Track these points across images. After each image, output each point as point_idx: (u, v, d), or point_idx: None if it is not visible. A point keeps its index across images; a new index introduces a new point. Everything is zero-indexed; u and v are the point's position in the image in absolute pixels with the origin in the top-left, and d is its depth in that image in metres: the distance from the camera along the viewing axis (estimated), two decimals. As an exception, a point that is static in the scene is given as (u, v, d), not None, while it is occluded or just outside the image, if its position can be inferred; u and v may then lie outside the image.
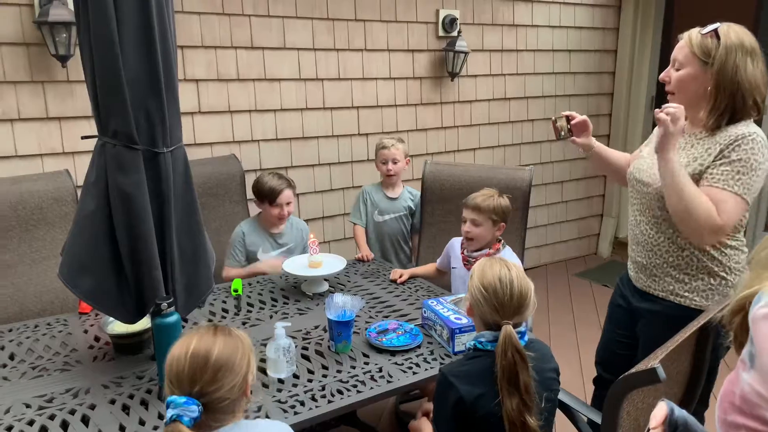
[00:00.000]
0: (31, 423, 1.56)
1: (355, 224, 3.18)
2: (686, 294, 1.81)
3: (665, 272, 1.84)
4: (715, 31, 1.69)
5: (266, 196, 2.78)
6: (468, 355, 1.56)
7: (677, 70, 1.77)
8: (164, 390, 1.27)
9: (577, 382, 3.09)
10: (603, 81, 4.97)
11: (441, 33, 3.99)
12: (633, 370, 1.09)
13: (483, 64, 4.27)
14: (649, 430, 0.90)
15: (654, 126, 2.02)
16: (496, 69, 4.34)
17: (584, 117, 2.04)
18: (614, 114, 5.03)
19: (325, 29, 3.57)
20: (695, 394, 1.73)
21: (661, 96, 1.88)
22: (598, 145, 2.09)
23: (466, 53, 3.96)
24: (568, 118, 2.04)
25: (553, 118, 2.05)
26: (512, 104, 4.50)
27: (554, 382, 1.59)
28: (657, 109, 1.70)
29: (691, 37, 1.73)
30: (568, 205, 5.05)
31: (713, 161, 1.70)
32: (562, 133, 2.04)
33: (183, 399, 1.19)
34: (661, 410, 0.90)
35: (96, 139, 1.72)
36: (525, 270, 1.62)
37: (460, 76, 4.11)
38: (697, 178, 1.71)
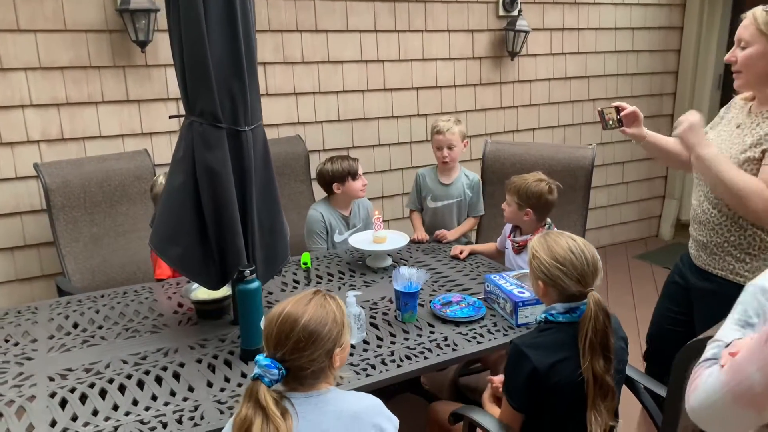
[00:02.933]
0: (129, 377, 1.72)
1: (412, 210, 3.16)
2: (746, 274, 1.80)
3: (726, 251, 1.84)
4: None
5: (347, 173, 2.80)
6: (539, 327, 1.60)
7: (743, 48, 1.75)
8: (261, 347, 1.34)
9: (635, 361, 3.08)
10: (668, 59, 4.83)
11: (501, 12, 3.98)
12: (699, 337, 1.12)
13: (544, 43, 4.24)
14: None
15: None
16: (556, 48, 4.30)
17: (634, 108, 2.04)
18: (679, 93, 4.88)
19: (386, 11, 3.63)
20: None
21: (728, 74, 1.86)
22: (651, 134, 2.09)
23: (526, 32, 3.94)
24: (618, 109, 2.04)
25: (600, 108, 2.07)
26: (573, 83, 4.45)
27: (624, 352, 1.62)
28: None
29: (756, 15, 1.71)
30: (629, 186, 4.96)
31: None
32: (610, 123, 2.06)
33: (267, 361, 1.25)
34: None
35: (181, 118, 1.85)
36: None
37: (520, 56, 4.10)
38: (759, 159, 1.70)
